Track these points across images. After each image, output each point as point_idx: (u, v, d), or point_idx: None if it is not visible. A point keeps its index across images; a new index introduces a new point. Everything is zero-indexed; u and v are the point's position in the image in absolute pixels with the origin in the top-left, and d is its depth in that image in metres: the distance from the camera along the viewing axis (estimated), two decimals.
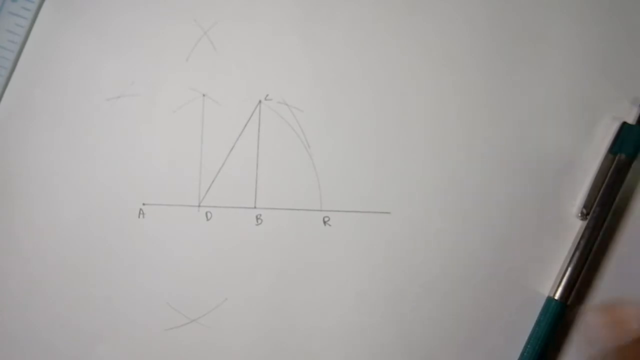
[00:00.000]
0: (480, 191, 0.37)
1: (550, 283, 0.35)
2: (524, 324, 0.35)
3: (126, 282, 0.36)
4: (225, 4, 0.37)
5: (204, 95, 0.37)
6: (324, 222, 0.36)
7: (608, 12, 0.38)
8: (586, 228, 0.35)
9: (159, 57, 0.37)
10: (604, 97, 0.38)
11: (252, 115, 0.37)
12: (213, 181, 0.36)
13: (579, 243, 0.35)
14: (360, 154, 0.37)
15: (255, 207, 0.36)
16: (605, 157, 0.36)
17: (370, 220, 0.36)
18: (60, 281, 0.36)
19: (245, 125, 0.37)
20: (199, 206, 0.36)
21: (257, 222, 0.36)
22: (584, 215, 0.35)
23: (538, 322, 0.35)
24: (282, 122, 0.37)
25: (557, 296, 0.34)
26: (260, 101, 0.37)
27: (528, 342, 0.35)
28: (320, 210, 0.36)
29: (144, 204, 0.36)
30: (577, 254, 0.35)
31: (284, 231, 0.36)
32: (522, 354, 0.35)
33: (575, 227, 0.36)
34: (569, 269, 0.35)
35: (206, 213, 0.36)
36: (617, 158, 0.35)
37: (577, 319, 0.34)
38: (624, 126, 0.36)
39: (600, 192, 0.35)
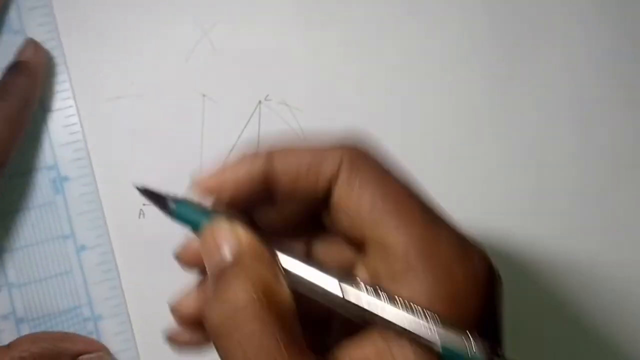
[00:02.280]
0: (479, 190, 0.37)
1: None
2: None
3: (126, 282, 0.36)
4: (225, 4, 0.37)
5: (204, 95, 0.36)
6: None
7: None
8: None
9: (159, 57, 0.36)
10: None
11: (252, 115, 0.36)
12: None
13: None
14: None
15: None
16: None
17: None
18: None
19: (245, 125, 0.37)
20: None
21: None
22: None
23: None
24: (282, 122, 0.37)
25: None
26: (260, 101, 0.37)
27: None
28: None
29: (144, 205, 0.36)
30: None
31: None
32: None
33: None
34: None
35: None
36: None
37: None
38: None
39: None
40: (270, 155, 0.25)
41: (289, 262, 0.24)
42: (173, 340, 0.28)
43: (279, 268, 0.23)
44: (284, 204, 0.26)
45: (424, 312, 0.21)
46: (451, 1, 0.38)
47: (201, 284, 0.28)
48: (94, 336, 0.35)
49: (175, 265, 0.36)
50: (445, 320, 0.21)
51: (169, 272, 0.36)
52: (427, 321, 0.21)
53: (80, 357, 0.34)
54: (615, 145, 0.38)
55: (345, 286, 0.23)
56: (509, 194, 0.37)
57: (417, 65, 0.38)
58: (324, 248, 0.27)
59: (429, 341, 0.21)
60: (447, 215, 0.24)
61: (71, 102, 0.36)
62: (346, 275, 0.24)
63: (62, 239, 0.35)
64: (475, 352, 0.21)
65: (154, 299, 0.35)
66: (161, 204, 0.27)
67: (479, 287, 0.22)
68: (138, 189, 0.28)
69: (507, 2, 0.38)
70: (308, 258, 0.25)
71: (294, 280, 0.23)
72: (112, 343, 0.35)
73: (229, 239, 0.23)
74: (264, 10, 0.37)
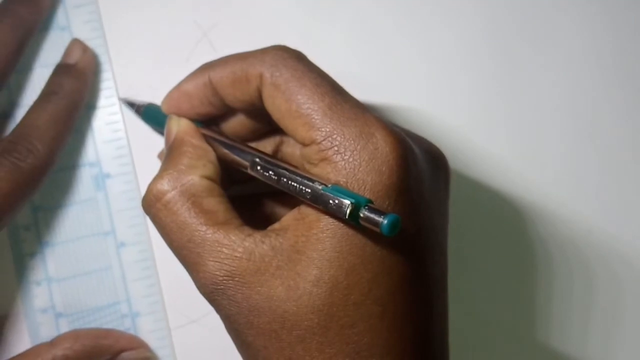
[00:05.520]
0: (478, 190, 0.38)
1: None
2: None
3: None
4: (225, 5, 0.37)
5: None
6: None
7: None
8: None
9: (159, 58, 0.36)
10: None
11: None
12: None
13: None
14: None
15: None
16: None
17: None
18: None
19: None
20: None
21: None
22: None
23: None
24: None
25: None
26: None
27: None
28: None
29: None
30: None
31: None
32: None
33: None
34: None
35: None
36: None
37: None
38: None
39: None
40: (206, 68, 0.29)
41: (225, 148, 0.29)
42: None
43: (206, 151, 0.29)
44: (244, 116, 0.30)
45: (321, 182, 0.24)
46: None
47: None
48: (131, 332, 0.35)
49: (176, 265, 0.35)
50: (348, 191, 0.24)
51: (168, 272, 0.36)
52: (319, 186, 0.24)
53: (122, 355, 0.34)
54: (615, 146, 0.39)
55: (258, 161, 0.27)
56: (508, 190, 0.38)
57: (418, 63, 0.38)
58: (287, 149, 0.31)
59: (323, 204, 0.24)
60: (356, 105, 0.26)
61: (115, 99, 0.36)
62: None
63: (102, 235, 0.36)
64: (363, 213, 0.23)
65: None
66: (136, 109, 0.34)
67: (386, 165, 0.25)
68: (120, 99, 0.36)
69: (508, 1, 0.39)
70: (275, 159, 0.27)
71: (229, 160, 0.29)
72: (148, 340, 0.35)
73: (175, 124, 0.30)
74: (263, 11, 0.37)
